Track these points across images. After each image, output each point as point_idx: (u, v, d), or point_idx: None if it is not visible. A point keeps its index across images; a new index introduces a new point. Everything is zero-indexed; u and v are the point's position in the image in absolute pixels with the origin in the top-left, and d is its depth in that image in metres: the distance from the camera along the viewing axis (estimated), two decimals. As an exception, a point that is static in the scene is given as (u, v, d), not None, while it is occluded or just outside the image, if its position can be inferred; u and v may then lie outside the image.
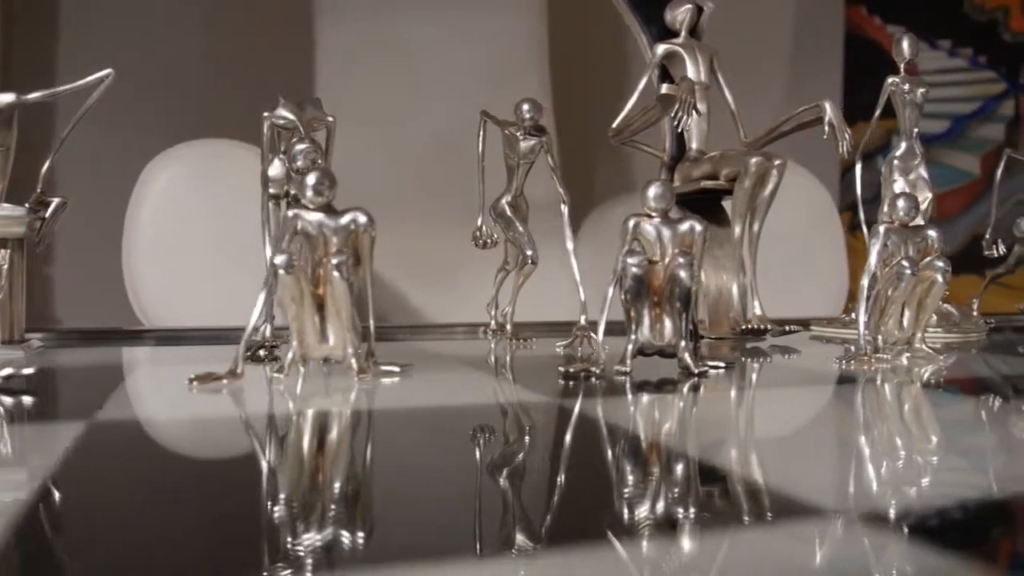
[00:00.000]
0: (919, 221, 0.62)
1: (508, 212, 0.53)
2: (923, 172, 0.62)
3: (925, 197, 0.62)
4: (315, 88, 1.46)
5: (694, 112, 0.60)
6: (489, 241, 0.55)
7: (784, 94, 1.98)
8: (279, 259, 0.34)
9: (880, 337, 0.45)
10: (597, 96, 1.61)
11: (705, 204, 0.59)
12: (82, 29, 1.38)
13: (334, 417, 0.30)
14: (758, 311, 0.56)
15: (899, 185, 0.62)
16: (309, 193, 0.36)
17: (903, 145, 0.62)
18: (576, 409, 0.33)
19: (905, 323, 0.45)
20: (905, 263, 0.44)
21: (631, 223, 0.40)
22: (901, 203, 0.45)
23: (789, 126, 0.60)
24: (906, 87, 0.61)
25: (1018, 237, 0.70)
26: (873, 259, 0.45)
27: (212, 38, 1.51)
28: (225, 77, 1.46)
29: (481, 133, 0.54)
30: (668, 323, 0.39)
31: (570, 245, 0.50)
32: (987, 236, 0.72)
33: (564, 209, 0.52)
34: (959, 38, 1.80)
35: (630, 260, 0.38)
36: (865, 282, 0.44)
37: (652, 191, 0.39)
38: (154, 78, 1.37)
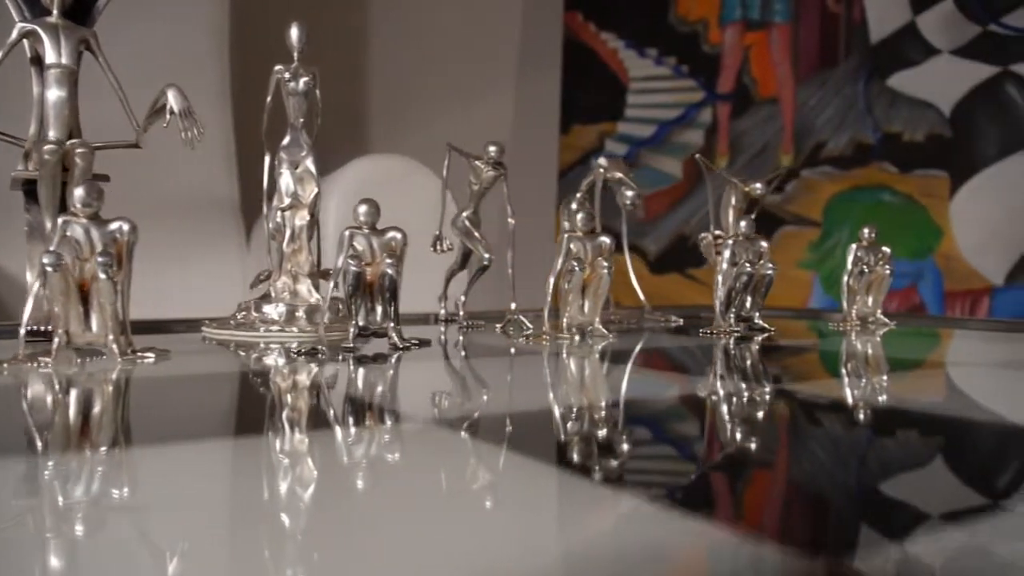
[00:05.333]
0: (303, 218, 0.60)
1: None
2: (310, 165, 0.60)
3: (311, 191, 0.60)
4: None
5: (61, 95, 0.56)
6: None
7: (512, 96, 2.00)
8: None
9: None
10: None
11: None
12: None
13: None
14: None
15: (285, 179, 0.60)
16: None
17: (288, 137, 0.60)
18: None
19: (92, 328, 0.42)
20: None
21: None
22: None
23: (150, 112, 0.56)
24: (287, 76, 0.59)
25: (463, 230, 0.69)
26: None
27: None
28: None
29: None
30: None
31: None
32: (436, 232, 0.70)
33: None
34: (665, 47, 1.87)
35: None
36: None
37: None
38: None
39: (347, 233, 0.49)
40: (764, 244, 0.64)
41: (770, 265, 0.63)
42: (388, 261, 0.48)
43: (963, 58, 1.62)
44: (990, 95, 1.58)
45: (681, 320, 0.74)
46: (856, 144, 1.71)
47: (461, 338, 0.64)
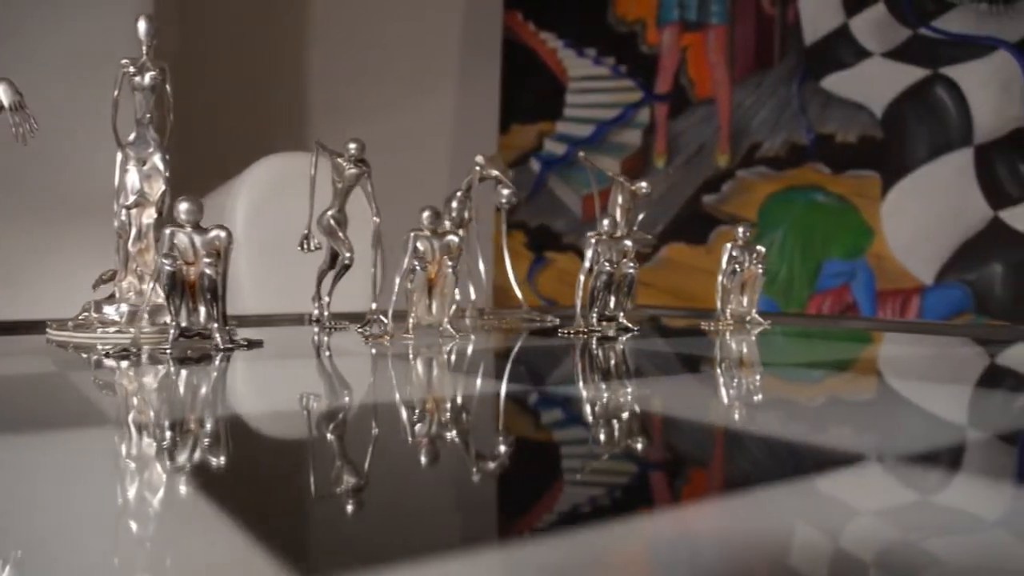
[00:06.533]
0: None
1: None
2: (158, 162, 0.58)
3: (159, 188, 0.59)
4: None
5: None
6: None
7: (452, 95, 1.99)
8: None
9: None
10: (211, 83, 1.54)
11: None
12: None
13: None
14: None
15: (132, 176, 0.58)
16: None
17: (134, 133, 0.58)
18: None
19: None
20: None
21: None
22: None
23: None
24: (131, 70, 0.58)
25: (327, 229, 0.68)
26: None
27: None
28: None
29: None
30: None
31: None
32: (304, 231, 0.69)
33: None
34: (603, 47, 1.87)
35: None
36: None
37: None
38: None
39: (168, 232, 0.48)
40: (628, 243, 0.63)
41: (631, 264, 0.63)
42: (207, 260, 0.47)
43: (894, 60, 1.63)
44: (920, 97, 1.59)
45: (558, 320, 0.73)
46: (791, 145, 1.72)
47: (326, 339, 0.63)
